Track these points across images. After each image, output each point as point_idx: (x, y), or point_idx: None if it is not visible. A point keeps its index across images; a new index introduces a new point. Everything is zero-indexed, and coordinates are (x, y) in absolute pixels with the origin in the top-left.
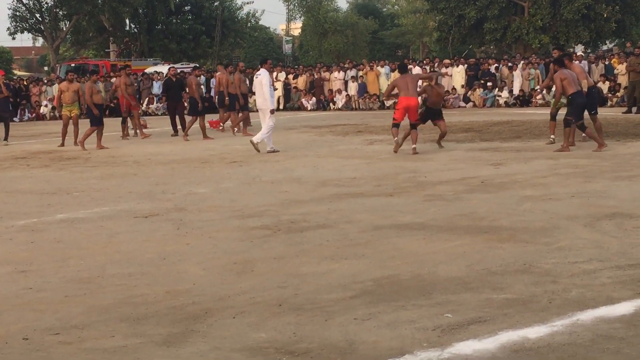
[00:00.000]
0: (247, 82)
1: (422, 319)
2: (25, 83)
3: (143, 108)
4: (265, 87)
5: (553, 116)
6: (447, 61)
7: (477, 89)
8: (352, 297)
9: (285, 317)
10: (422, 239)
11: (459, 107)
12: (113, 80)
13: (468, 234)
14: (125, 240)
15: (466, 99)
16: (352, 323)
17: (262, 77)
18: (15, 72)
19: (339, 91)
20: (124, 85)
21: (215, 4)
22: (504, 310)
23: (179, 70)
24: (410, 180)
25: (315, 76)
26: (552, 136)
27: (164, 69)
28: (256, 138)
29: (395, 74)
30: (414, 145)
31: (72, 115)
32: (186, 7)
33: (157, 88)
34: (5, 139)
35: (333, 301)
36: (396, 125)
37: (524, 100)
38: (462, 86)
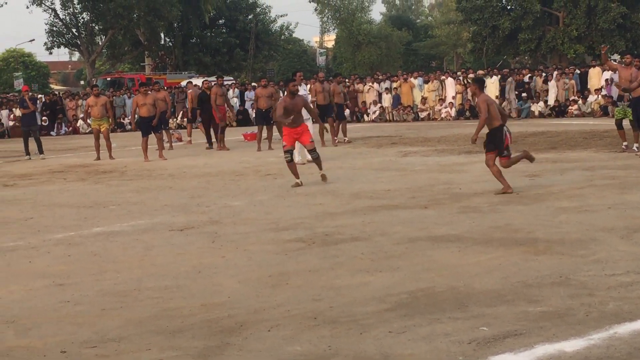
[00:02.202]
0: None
1: (457, 332)
2: (60, 98)
3: (177, 121)
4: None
5: (619, 124)
6: (481, 72)
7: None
8: (387, 309)
9: (320, 330)
10: (457, 251)
11: None
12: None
13: (503, 246)
14: (161, 253)
15: None
16: (387, 336)
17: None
18: (52, 86)
19: (374, 103)
20: (214, 95)
21: (250, 17)
22: (540, 324)
23: (212, 84)
24: (445, 192)
25: (349, 88)
26: (624, 143)
27: (198, 82)
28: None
29: (429, 86)
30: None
31: (101, 129)
32: (220, 21)
33: None
34: (40, 152)
35: (368, 314)
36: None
37: (559, 110)
38: (496, 97)
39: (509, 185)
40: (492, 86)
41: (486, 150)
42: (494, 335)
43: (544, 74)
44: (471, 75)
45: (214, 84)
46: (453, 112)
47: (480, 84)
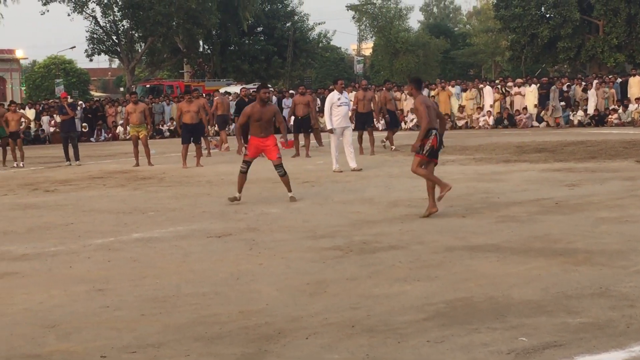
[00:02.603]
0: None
1: (496, 343)
2: (101, 104)
3: (215, 128)
4: (326, 106)
5: None
6: (519, 80)
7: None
8: (425, 319)
9: (358, 339)
10: (495, 261)
11: (532, 126)
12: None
13: (543, 257)
14: (199, 259)
15: (539, 119)
16: (425, 345)
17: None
18: (92, 92)
19: (411, 111)
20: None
21: (288, 24)
22: (580, 335)
23: (251, 91)
24: (483, 201)
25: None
26: None
27: (236, 89)
28: (353, 165)
29: (467, 94)
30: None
31: (140, 136)
32: (259, 28)
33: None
34: (77, 159)
35: (406, 323)
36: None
37: (598, 119)
38: (535, 106)
39: (435, 205)
40: (530, 95)
41: (415, 152)
42: (533, 346)
43: (583, 83)
44: (510, 84)
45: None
46: (491, 121)
47: (417, 84)
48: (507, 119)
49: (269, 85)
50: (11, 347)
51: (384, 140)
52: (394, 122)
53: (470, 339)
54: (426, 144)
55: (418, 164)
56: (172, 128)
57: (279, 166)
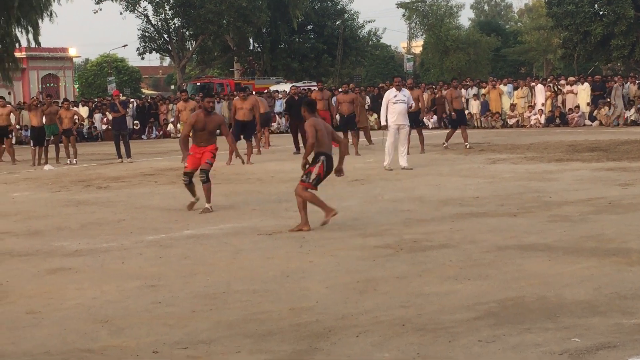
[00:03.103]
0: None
1: (548, 343)
2: (153, 101)
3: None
4: (383, 103)
5: None
6: (571, 78)
7: (603, 107)
8: (476, 318)
9: (408, 337)
10: (547, 261)
11: (584, 125)
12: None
13: (595, 256)
14: (249, 257)
15: (592, 118)
16: (476, 345)
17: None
18: (144, 90)
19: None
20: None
21: (337, 22)
22: (634, 336)
23: (300, 89)
24: (535, 200)
25: (437, 94)
26: None
27: (286, 87)
28: (404, 163)
29: (519, 92)
30: None
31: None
32: (309, 26)
33: (279, 106)
34: (128, 156)
35: (457, 322)
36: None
37: None
38: (588, 104)
39: (307, 223)
40: (583, 93)
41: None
42: (586, 347)
43: (637, 81)
44: (562, 82)
45: (315, 89)
46: (542, 119)
47: (309, 107)
48: (558, 118)
49: (213, 95)
50: (65, 341)
51: (464, 142)
52: (461, 119)
53: (522, 339)
54: (313, 171)
55: (303, 189)
56: None
57: (203, 171)
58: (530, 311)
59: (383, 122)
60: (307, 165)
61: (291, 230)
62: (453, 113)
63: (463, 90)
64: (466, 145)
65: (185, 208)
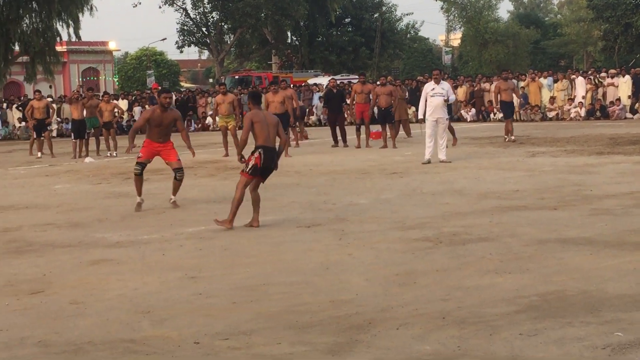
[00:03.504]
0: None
1: (590, 337)
2: (192, 95)
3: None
4: (422, 96)
5: None
6: (612, 71)
7: None
8: (517, 311)
9: (449, 330)
10: (588, 255)
11: (625, 118)
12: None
13: (638, 250)
14: (288, 249)
15: (633, 110)
16: (517, 338)
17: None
18: (182, 84)
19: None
20: (353, 93)
21: (375, 15)
22: None
23: (338, 82)
24: (575, 193)
25: (475, 87)
26: None
27: (324, 80)
28: (442, 157)
29: (558, 85)
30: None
31: (229, 126)
32: (346, 19)
33: (316, 99)
34: None
35: (497, 315)
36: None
37: None
38: (629, 97)
39: (231, 221)
40: (624, 85)
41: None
42: (630, 342)
43: None
44: (603, 74)
45: (357, 82)
46: (583, 112)
47: (254, 99)
48: (599, 111)
49: (170, 90)
50: (108, 331)
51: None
52: (508, 112)
53: (564, 332)
54: (250, 161)
55: (244, 183)
56: None
57: (179, 170)
58: (572, 305)
59: (420, 116)
60: (242, 159)
61: (219, 223)
62: (497, 106)
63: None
64: (505, 138)
65: (171, 205)
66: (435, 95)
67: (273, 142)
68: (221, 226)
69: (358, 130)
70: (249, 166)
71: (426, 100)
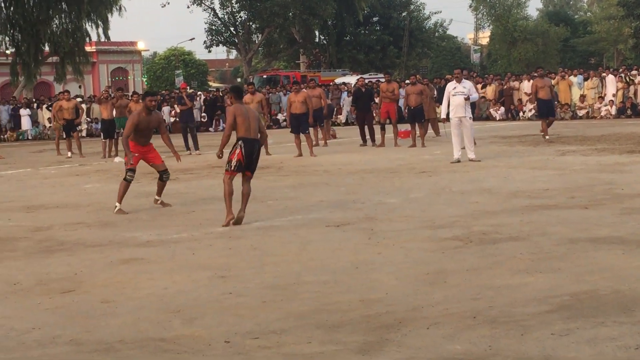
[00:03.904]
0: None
1: (623, 337)
2: (220, 94)
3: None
4: (445, 96)
5: None
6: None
7: None
8: (548, 311)
9: (480, 330)
10: (621, 254)
11: None
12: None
13: None
14: (318, 248)
15: None
16: (549, 338)
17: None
18: (210, 83)
19: (530, 100)
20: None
21: (403, 14)
22: None
23: (366, 81)
24: (606, 192)
25: (505, 86)
26: None
27: (352, 79)
28: (471, 155)
29: (589, 83)
30: None
31: None
32: (374, 18)
33: (344, 98)
34: (196, 148)
35: (529, 315)
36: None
37: None
38: None
39: (231, 212)
40: None
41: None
42: None
43: None
44: (634, 72)
45: (384, 81)
46: (613, 110)
47: (235, 93)
48: (630, 109)
49: (156, 93)
50: (138, 330)
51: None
52: (545, 111)
53: (597, 332)
54: (233, 158)
55: (229, 177)
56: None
57: (165, 171)
58: (604, 304)
59: (443, 115)
60: (221, 156)
61: (223, 225)
62: (534, 105)
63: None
64: (545, 137)
65: (157, 203)
66: (457, 94)
67: (254, 134)
68: (227, 225)
69: (383, 129)
70: (232, 164)
71: (449, 100)
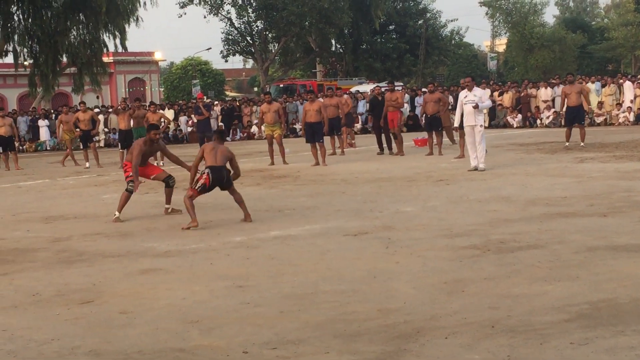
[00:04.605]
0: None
1: None
2: (238, 104)
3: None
4: (458, 104)
5: None
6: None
7: None
8: (567, 320)
9: (498, 339)
10: None
11: None
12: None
13: None
14: (335, 257)
15: None
16: (568, 347)
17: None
18: (227, 93)
19: (547, 108)
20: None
21: (420, 22)
22: None
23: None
24: (625, 199)
25: (522, 93)
26: None
27: (368, 88)
28: (481, 165)
29: (606, 90)
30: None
31: (275, 135)
32: (390, 26)
33: (361, 107)
34: None
35: (548, 324)
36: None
37: None
38: None
39: (195, 220)
40: None
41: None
42: None
43: None
44: None
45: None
46: (631, 117)
47: (219, 135)
48: None
49: (159, 127)
50: (157, 340)
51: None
52: (572, 118)
53: (616, 341)
54: (200, 180)
55: (189, 196)
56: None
57: (169, 177)
58: (623, 313)
59: (456, 124)
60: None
61: (183, 227)
62: (562, 112)
63: (549, 90)
64: (581, 144)
65: (168, 212)
66: (468, 103)
67: (220, 163)
68: (191, 226)
69: (396, 137)
70: (199, 184)
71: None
